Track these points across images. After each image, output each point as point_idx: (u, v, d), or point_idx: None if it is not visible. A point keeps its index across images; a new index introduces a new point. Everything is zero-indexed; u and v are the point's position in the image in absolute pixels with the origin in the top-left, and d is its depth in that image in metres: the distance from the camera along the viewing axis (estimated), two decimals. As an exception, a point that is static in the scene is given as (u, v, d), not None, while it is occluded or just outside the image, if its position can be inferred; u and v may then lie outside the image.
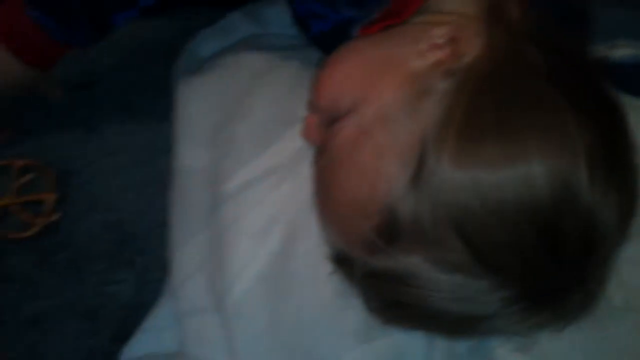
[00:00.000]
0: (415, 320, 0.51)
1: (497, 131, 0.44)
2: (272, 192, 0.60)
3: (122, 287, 0.68)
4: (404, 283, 0.47)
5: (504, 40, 0.48)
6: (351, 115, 0.50)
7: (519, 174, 0.43)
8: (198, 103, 0.67)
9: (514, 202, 0.43)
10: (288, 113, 0.63)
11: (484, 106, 0.45)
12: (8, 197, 0.69)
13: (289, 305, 0.57)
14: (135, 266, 0.68)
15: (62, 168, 0.70)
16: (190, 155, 0.65)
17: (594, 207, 0.44)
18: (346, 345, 0.56)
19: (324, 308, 0.57)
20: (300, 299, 0.57)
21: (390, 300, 0.49)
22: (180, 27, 0.72)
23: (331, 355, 0.56)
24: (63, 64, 0.67)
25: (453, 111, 0.45)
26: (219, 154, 0.64)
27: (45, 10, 0.57)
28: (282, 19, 0.71)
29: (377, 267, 0.48)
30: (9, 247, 0.69)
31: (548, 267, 0.45)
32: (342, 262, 0.53)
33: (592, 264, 0.46)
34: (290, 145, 0.62)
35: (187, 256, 0.63)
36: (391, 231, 0.46)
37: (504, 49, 0.48)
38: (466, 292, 0.46)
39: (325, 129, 0.54)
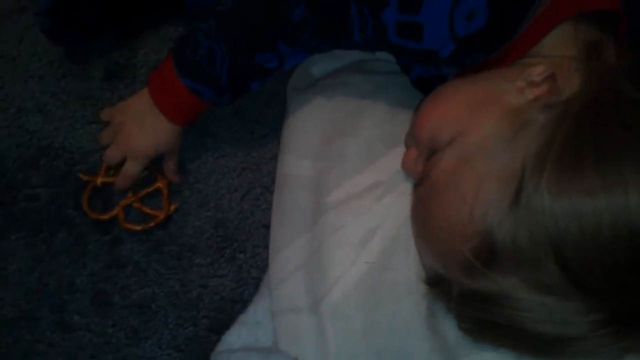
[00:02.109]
0: (506, 340, 0.54)
1: (595, 160, 0.47)
2: (374, 206, 0.64)
3: (222, 281, 0.72)
4: (498, 304, 0.50)
5: (601, 76, 0.51)
6: (450, 146, 0.54)
7: (616, 201, 0.46)
8: (308, 118, 0.71)
9: (611, 227, 0.46)
10: (391, 135, 0.67)
11: (582, 136, 0.48)
12: (128, 197, 0.75)
13: (383, 312, 0.61)
14: (236, 263, 0.73)
15: (179, 167, 0.76)
16: (297, 165, 0.70)
17: None
18: (434, 358, 0.59)
19: (416, 320, 0.60)
20: (394, 308, 0.60)
21: (483, 320, 0.52)
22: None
23: (419, 365, 0.59)
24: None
25: (552, 141, 0.48)
26: (324, 167, 0.68)
27: (200, 81, 0.65)
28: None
29: (472, 288, 0.51)
30: (123, 236, 0.74)
31: None
32: (436, 283, 0.56)
33: None
34: (392, 163, 0.65)
35: (286, 258, 0.67)
36: (488, 253, 0.49)
37: (601, 84, 0.51)
38: (558, 314, 0.49)
39: (424, 161, 0.58)
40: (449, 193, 0.53)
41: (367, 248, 0.62)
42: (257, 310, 0.68)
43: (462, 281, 0.52)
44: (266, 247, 0.70)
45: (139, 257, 0.73)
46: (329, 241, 0.64)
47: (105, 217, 0.74)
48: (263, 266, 0.72)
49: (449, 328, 0.59)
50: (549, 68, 0.52)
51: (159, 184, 0.75)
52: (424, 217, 0.57)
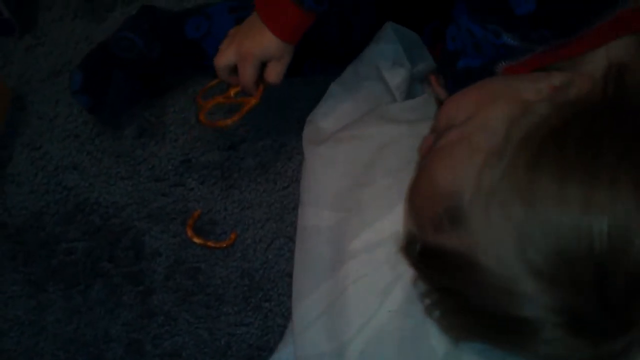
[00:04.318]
0: (461, 313, 0.54)
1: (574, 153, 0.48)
2: (395, 254, 0.66)
3: (249, 329, 0.75)
4: (458, 267, 0.51)
5: (613, 88, 0.52)
6: (461, 124, 0.57)
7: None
8: (325, 170, 0.74)
9: (581, 239, 0.46)
10: (406, 183, 0.69)
11: (566, 139, 0.49)
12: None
13: (405, 358, 0.62)
14: (262, 311, 0.76)
15: (206, 218, 0.79)
16: (317, 216, 0.72)
17: None
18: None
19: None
20: (417, 354, 0.62)
21: (442, 284, 0.54)
22: (316, 95, 0.79)
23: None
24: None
25: (537, 130, 0.50)
26: (344, 216, 0.70)
27: None
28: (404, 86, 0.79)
29: (436, 243, 0.53)
30: (155, 287, 0.78)
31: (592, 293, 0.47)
32: (409, 245, 0.58)
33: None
34: (409, 212, 0.68)
35: (308, 306, 0.69)
36: (458, 213, 0.51)
37: (610, 93, 0.51)
38: (510, 288, 0.49)
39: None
40: (444, 158, 0.56)
41: (391, 297, 0.64)
42: (281, 358, 0.70)
43: (430, 236, 0.54)
44: (290, 295, 0.72)
45: (170, 307, 0.77)
46: (352, 289, 0.66)
47: (223, 124, 0.76)
48: (288, 314, 0.74)
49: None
50: (569, 76, 0.54)
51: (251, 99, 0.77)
52: (418, 178, 0.59)
